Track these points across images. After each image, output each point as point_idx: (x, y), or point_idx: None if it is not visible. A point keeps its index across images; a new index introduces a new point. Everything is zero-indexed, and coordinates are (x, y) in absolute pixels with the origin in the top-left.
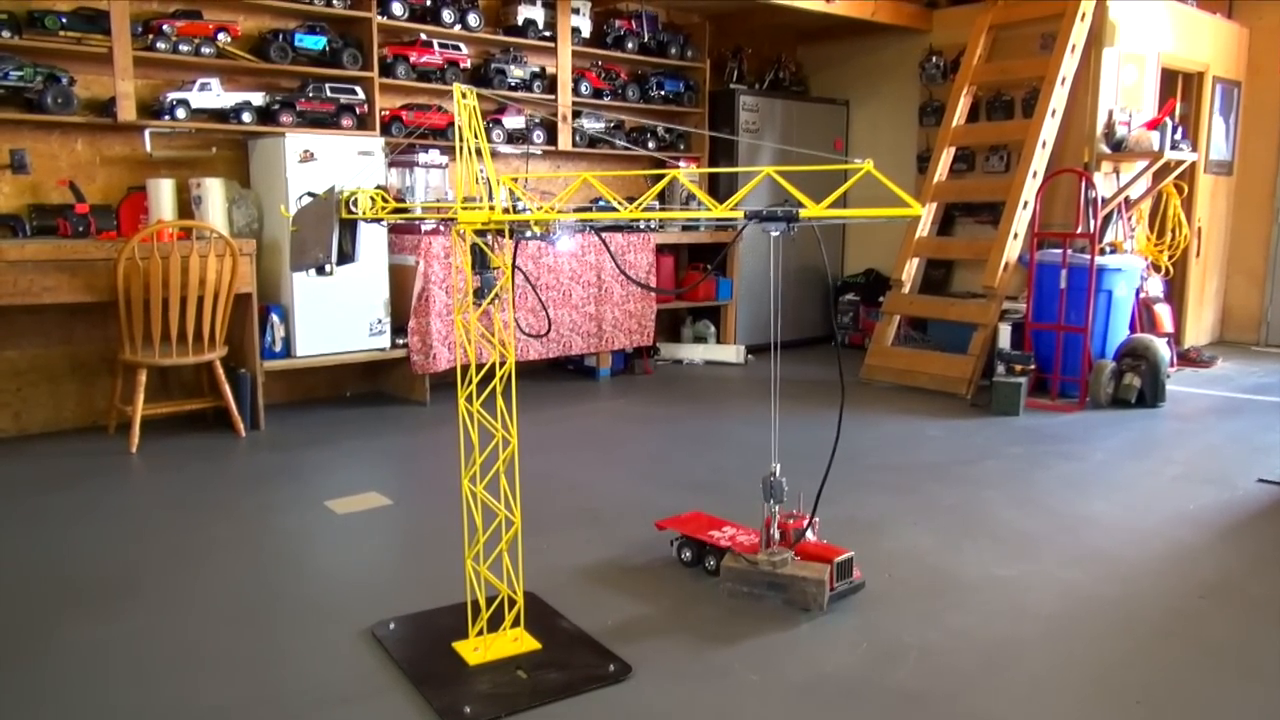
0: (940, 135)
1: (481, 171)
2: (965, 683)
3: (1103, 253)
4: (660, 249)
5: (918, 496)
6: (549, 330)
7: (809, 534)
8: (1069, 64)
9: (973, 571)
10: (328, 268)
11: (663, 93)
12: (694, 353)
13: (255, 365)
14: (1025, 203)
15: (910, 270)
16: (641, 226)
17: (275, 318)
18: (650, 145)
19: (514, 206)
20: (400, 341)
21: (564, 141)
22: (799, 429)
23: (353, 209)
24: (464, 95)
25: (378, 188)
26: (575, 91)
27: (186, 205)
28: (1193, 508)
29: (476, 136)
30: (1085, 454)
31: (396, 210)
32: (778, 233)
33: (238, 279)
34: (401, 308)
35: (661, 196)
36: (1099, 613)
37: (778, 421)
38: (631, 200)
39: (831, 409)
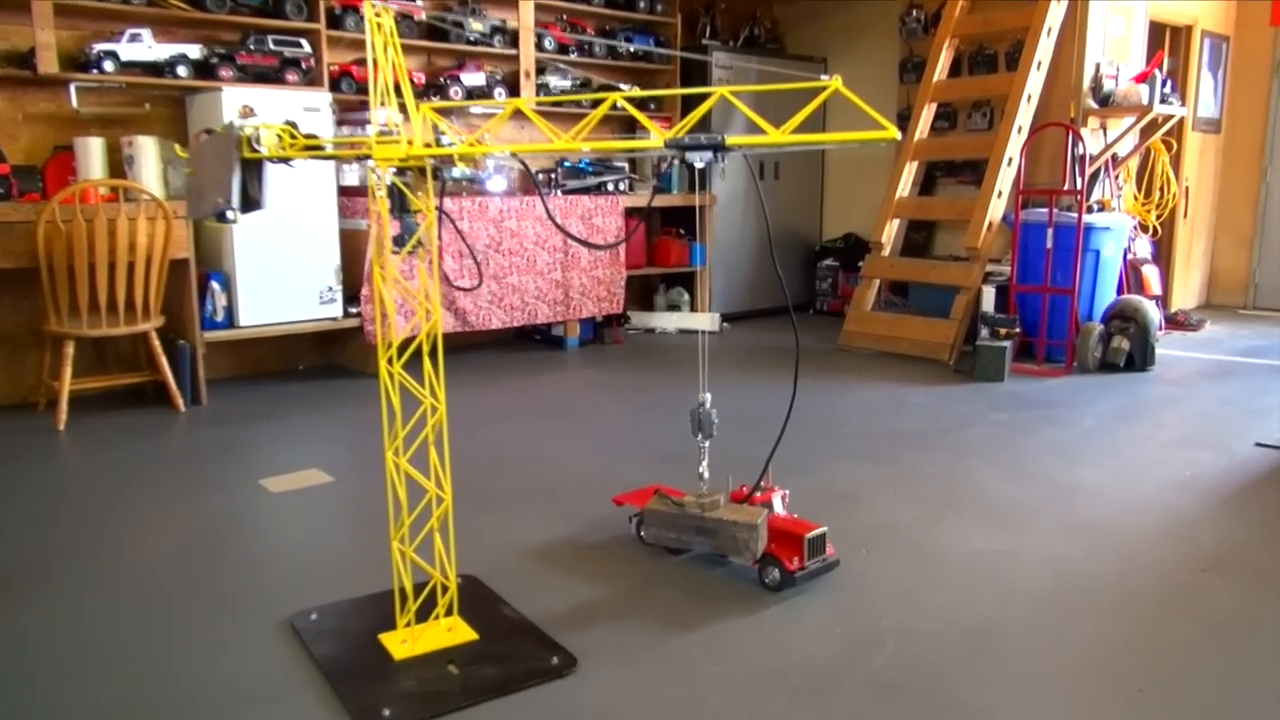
0: (921, 91)
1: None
2: (949, 670)
3: (1090, 211)
4: (630, 212)
5: (898, 466)
6: (480, 283)
7: (777, 505)
8: (1055, 14)
9: (957, 546)
10: (230, 214)
11: (632, 49)
12: (667, 321)
13: (195, 336)
14: (1009, 159)
15: (890, 232)
16: (610, 188)
17: (216, 285)
18: (619, 104)
19: (437, 140)
20: (353, 310)
21: (527, 98)
22: (772, 396)
23: (256, 147)
24: (377, 15)
25: (286, 123)
26: (539, 47)
27: (119, 165)
28: (1189, 474)
29: (393, 63)
30: (1073, 420)
31: (307, 148)
32: (702, 163)
33: (172, 243)
34: (354, 275)
35: (632, 162)
36: (1094, 590)
37: (740, 383)
38: (602, 163)
39: (806, 376)
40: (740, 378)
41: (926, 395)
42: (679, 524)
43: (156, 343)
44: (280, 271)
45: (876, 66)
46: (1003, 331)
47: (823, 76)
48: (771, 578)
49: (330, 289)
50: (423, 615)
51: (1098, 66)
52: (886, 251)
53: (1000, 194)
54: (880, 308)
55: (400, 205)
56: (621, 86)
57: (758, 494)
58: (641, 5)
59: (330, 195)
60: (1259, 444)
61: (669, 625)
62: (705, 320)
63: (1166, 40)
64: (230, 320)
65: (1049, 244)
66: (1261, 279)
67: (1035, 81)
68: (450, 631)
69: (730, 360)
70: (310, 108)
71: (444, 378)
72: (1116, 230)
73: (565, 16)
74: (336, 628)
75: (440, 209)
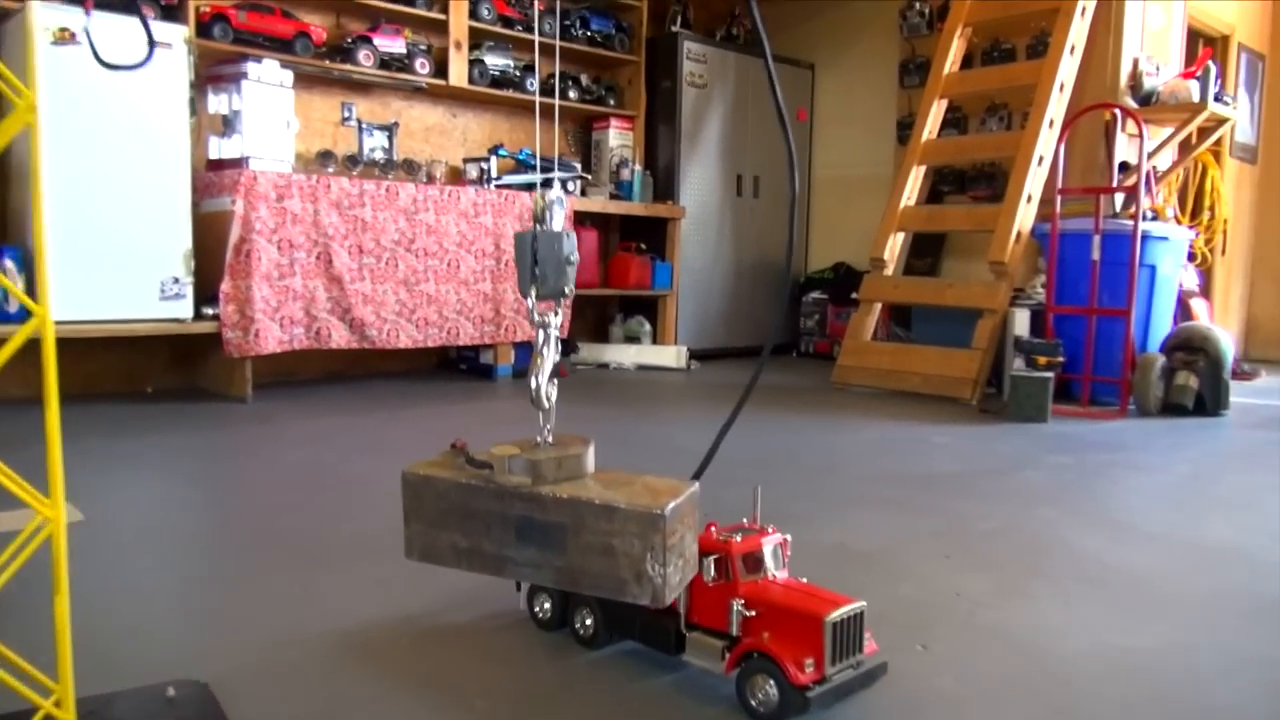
0: (929, 85)
1: None
2: None
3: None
4: (581, 218)
5: (939, 516)
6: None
7: (770, 561)
8: None
9: (1075, 639)
10: None
11: (588, 32)
12: (624, 355)
13: None
14: (1040, 158)
15: (894, 247)
16: (557, 185)
17: (10, 264)
18: (572, 95)
19: None
20: (209, 312)
21: (457, 76)
22: (750, 433)
23: None
24: None
25: None
26: (474, 15)
27: None
28: None
29: None
30: (1162, 465)
31: None
32: None
33: None
34: (211, 267)
35: (587, 162)
36: None
37: (712, 419)
38: (550, 159)
39: (791, 413)
40: (711, 415)
41: (952, 435)
42: (479, 512)
43: None
44: (107, 253)
45: (873, 71)
46: (1043, 360)
47: None
48: (764, 698)
49: (177, 280)
50: None
51: (1136, 62)
52: (890, 270)
53: (1030, 198)
54: (880, 340)
55: None
56: (577, 76)
57: (735, 539)
58: None
59: (181, 163)
60: None
61: None
62: (670, 355)
63: (1200, 49)
64: (30, 313)
65: (1095, 255)
66: None
67: (1068, 68)
68: None
69: (699, 397)
70: (156, 42)
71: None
72: (1175, 243)
73: None
74: None
75: None
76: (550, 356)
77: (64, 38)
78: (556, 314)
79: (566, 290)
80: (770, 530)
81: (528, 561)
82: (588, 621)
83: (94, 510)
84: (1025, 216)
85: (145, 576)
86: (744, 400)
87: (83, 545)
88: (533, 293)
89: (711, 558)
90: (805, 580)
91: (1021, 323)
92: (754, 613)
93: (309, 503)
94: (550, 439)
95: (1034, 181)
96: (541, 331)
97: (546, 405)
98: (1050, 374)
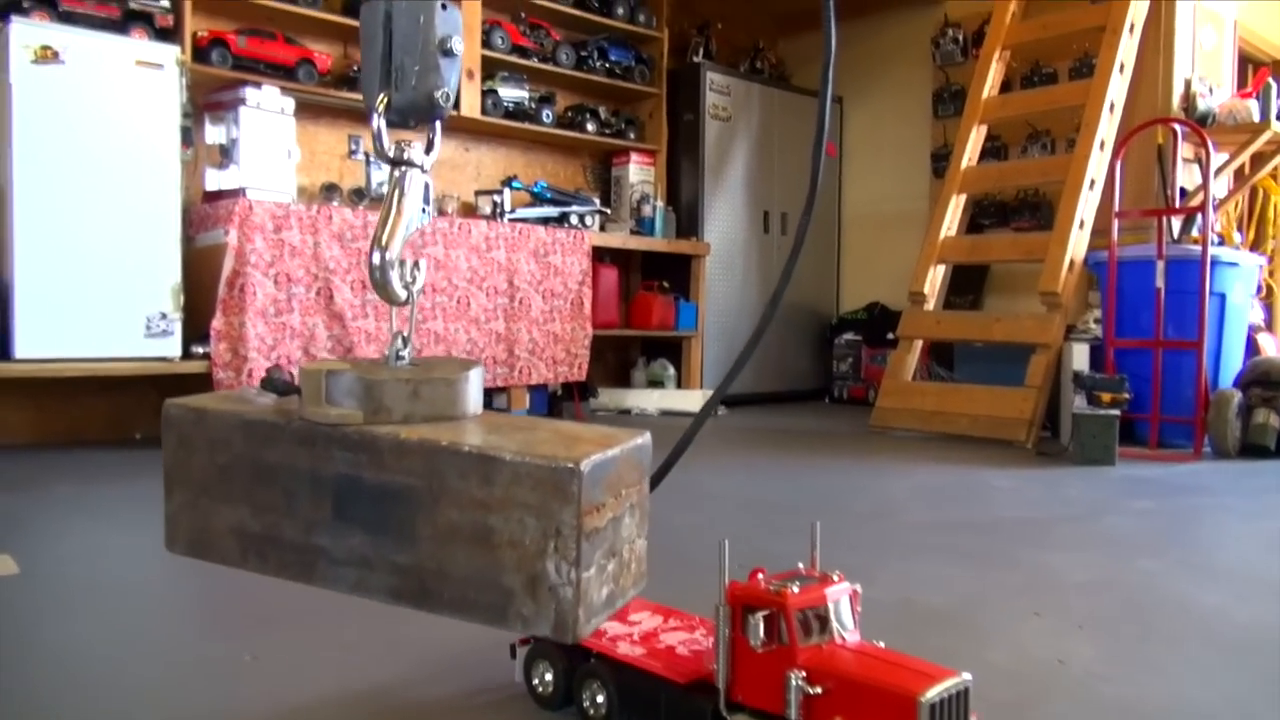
0: (968, 110)
1: None
2: None
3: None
4: (600, 255)
5: (1017, 567)
6: None
7: (838, 620)
8: (1138, 8)
9: None
10: None
11: (606, 63)
12: (646, 400)
13: None
14: (1092, 182)
15: (934, 280)
16: (574, 221)
17: None
18: (590, 128)
19: None
20: (200, 350)
21: (470, 107)
22: (796, 480)
23: None
24: None
25: None
26: (487, 44)
27: None
28: None
29: None
30: (1260, 510)
31: None
32: None
33: None
34: (202, 304)
35: (606, 197)
36: None
37: (743, 461)
38: (566, 192)
39: (831, 457)
40: (742, 461)
41: (1013, 478)
42: (278, 469)
43: None
44: (88, 287)
45: (904, 101)
46: (1107, 397)
47: None
48: None
49: (164, 316)
50: None
51: (1188, 83)
52: (930, 305)
53: (1082, 224)
54: (921, 380)
55: None
56: (595, 108)
57: (790, 590)
58: (620, 12)
59: (170, 190)
60: None
61: None
62: (696, 400)
63: (1252, 73)
64: (4, 350)
65: (1159, 283)
66: None
67: (1118, 87)
68: None
69: (728, 444)
70: (146, 61)
71: None
72: (1245, 270)
73: (524, 14)
74: None
75: None
76: (409, 214)
77: (46, 56)
78: (430, 150)
79: (440, 99)
80: (836, 578)
81: (350, 556)
82: (599, 698)
83: (36, 562)
84: (1078, 244)
85: (70, 639)
86: (706, 414)
87: (8, 601)
88: (381, 103)
89: (760, 614)
90: (882, 645)
91: (1080, 357)
92: (819, 689)
93: None
94: (407, 355)
95: (1086, 206)
96: (396, 171)
97: (402, 295)
98: (1116, 411)
